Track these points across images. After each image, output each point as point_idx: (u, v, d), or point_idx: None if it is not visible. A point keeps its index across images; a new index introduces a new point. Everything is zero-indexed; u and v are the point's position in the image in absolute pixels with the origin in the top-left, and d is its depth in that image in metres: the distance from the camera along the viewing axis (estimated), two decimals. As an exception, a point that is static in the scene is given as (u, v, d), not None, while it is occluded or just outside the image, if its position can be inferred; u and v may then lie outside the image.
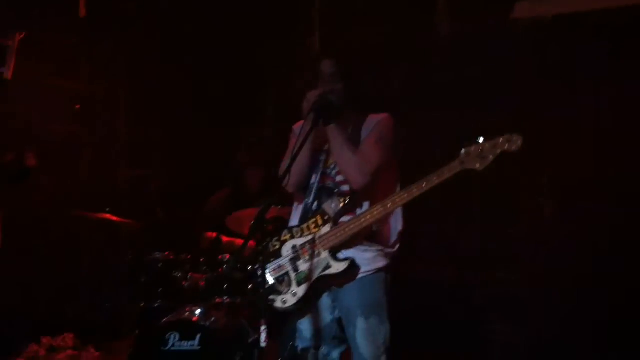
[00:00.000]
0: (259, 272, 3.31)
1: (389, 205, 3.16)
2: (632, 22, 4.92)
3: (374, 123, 3.42)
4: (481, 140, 2.98)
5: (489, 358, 5.32)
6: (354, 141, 3.38)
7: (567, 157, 5.12)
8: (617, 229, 4.89)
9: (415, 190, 3.08)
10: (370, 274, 3.35)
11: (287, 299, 3.31)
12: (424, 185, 3.07)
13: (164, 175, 7.07)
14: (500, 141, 2.94)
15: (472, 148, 2.99)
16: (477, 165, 2.97)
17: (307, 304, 3.35)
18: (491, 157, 2.95)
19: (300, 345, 3.48)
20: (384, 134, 3.38)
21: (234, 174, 5.88)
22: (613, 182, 4.92)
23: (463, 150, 3.00)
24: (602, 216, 4.94)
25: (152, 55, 7.00)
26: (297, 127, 3.52)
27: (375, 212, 3.20)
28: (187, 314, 4.43)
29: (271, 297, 3.32)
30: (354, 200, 3.34)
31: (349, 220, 3.26)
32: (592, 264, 4.94)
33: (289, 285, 3.32)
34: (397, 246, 3.47)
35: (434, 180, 3.05)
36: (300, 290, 3.28)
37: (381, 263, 3.39)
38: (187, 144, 7.17)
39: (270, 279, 3.35)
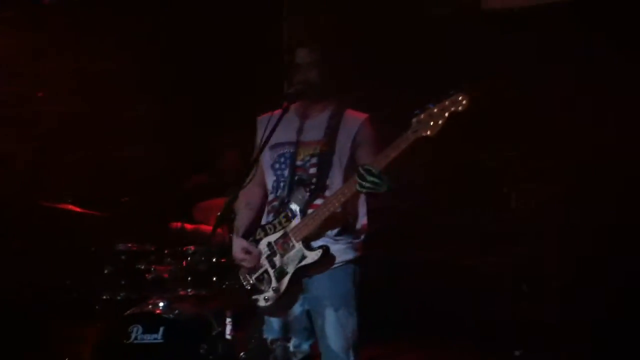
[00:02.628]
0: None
1: (352, 185, 3.11)
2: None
3: (357, 125, 3.40)
4: (430, 106, 2.96)
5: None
6: (332, 131, 3.37)
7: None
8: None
9: (374, 168, 3.03)
10: (340, 266, 3.34)
11: (269, 296, 3.31)
12: (382, 161, 3.04)
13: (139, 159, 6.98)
14: (447, 103, 2.93)
15: (422, 115, 2.97)
16: (429, 132, 2.95)
17: (288, 298, 3.34)
18: (440, 122, 2.94)
19: (269, 336, 3.47)
20: (375, 141, 3.38)
21: (211, 158, 5.80)
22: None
23: (414, 119, 2.98)
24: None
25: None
26: (263, 118, 3.47)
27: (340, 196, 3.18)
28: (151, 306, 4.36)
29: (254, 296, 3.33)
30: (319, 188, 3.32)
31: (317, 208, 3.24)
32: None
33: (269, 282, 3.31)
34: (365, 230, 3.45)
35: (391, 154, 3.02)
36: (281, 285, 3.28)
37: (350, 255, 3.38)
38: (164, 128, 7.08)
39: (250, 280, 3.35)
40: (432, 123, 2.94)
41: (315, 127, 3.43)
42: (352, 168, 3.30)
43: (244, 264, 3.37)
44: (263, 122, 3.39)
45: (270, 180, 3.50)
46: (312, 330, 3.41)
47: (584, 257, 4.92)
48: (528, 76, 5.27)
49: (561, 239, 5.08)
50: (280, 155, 3.46)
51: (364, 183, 3.02)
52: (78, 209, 5.25)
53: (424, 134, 2.96)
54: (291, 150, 3.43)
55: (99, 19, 6.73)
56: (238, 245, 3.41)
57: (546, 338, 4.96)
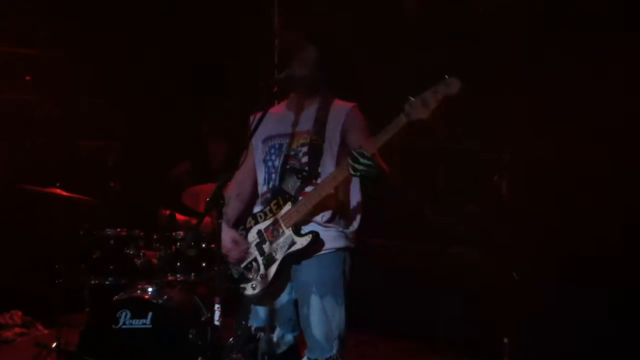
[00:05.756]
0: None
1: (343, 169, 3.14)
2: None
3: (345, 112, 3.41)
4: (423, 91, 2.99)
5: (447, 334, 5.37)
6: (321, 120, 3.37)
7: (528, 136, 5.17)
8: (576, 208, 4.95)
9: (367, 151, 3.05)
10: (329, 253, 3.34)
11: (256, 284, 3.32)
12: (374, 145, 3.07)
13: (122, 148, 6.95)
14: (440, 87, 2.96)
15: (415, 99, 2.99)
16: (421, 115, 2.98)
17: (275, 286, 3.35)
18: (433, 104, 2.96)
19: (254, 324, 3.48)
20: (364, 126, 3.40)
21: (196, 147, 5.78)
22: (574, 161, 4.98)
23: (407, 103, 3.01)
24: (562, 195, 5.01)
25: (114, 23, 6.82)
26: (254, 116, 3.46)
27: (331, 181, 3.21)
28: (139, 291, 4.35)
29: (242, 285, 3.35)
30: (311, 176, 3.32)
31: (308, 194, 3.26)
32: (550, 241, 5.02)
33: (257, 270, 3.33)
34: (358, 220, 3.46)
35: (383, 138, 3.06)
36: (269, 273, 3.30)
37: (341, 243, 3.38)
38: (148, 115, 7.05)
39: (238, 268, 3.37)
40: (424, 106, 2.96)
41: (305, 118, 3.44)
42: (343, 155, 3.31)
43: (231, 254, 3.38)
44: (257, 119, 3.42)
45: (261, 174, 3.50)
46: (297, 321, 3.42)
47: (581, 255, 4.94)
48: (526, 68, 5.29)
49: (554, 234, 5.10)
50: (270, 147, 3.47)
51: (357, 166, 3.03)
52: (66, 193, 5.21)
53: (416, 117, 2.98)
54: (281, 142, 3.44)
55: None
56: (228, 235, 3.40)
57: (538, 334, 5.00)
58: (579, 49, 4.92)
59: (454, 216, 5.61)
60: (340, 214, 3.40)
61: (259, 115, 3.37)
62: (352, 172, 3.07)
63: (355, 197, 3.46)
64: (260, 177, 3.51)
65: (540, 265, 5.06)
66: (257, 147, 3.50)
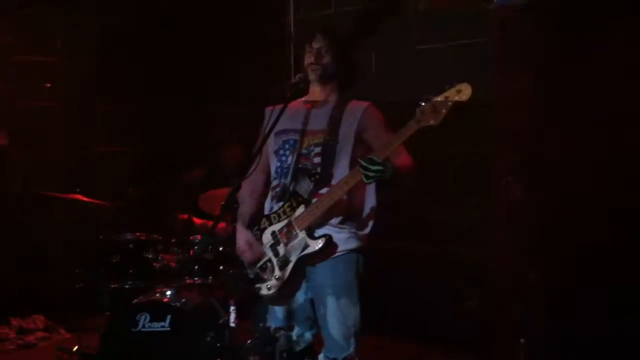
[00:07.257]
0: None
1: (355, 174, 3.17)
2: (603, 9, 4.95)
3: (360, 111, 3.43)
4: (434, 96, 3.03)
5: (460, 335, 5.36)
6: (336, 120, 3.40)
7: (538, 137, 5.16)
8: (588, 209, 4.93)
9: (377, 157, 3.09)
10: (343, 254, 3.38)
11: (271, 285, 3.37)
12: (384, 150, 3.11)
13: (137, 153, 7.00)
14: (451, 93, 3.00)
15: (426, 105, 3.03)
16: (432, 121, 3.01)
17: (290, 287, 3.40)
18: (444, 111, 3.00)
19: (272, 324, 3.51)
20: (382, 123, 3.44)
21: (210, 151, 5.82)
22: (584, 163, 4.96)
23: (418, 109, 3.04)
24: (573, 197, 4.99)
25: (126, 27, 6.86)
26: (270, 109, 3.49)
27: (343, 185, 3.23)
28: (158, 295, 4.40)
29: (257, 285, 3.40)
30: (324, 178, 3.35)
31: (320, 197, 3.29)
32: (562, 243, 4.99)
33: (272, 271, 3.37)
34: (371, 223, 3.49)
35: (394, 143, 3.11)
36: (284, 274, 3.34)
37: (354, 244, 3.41)
38: (162, 120, 7.08)
39: (253, 268, 3.42)
40: (435, 113, 3.00)
41: (320, 116, 3.47)
42: (359, 155, 3.32)
43: (245, 255, 3.43)
44: (270, 112, 3.43)
45: (274, 166, 3.54)
46: (315, 319, 3.46)
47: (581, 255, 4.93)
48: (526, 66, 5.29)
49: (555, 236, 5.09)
50: (284, 142, 3.49)
51: (369, 173, 3.09)
52: (86, 199, 5.29)
53: (426, 124, 3.02)
54: (295, 138, 3.46)
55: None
56: (243, 237, 3.47)
57: (539, 334, 4.99)
58: (579, 47, 4.91)
59: (459, 217, 5.61)
60: (353, 217, 3.43)
61: (273, 108, 3.39)
62: (365, 180, 3.13)
63: (369, 202, 3.48)
64: (273, 169, 3.55)
65: (541, 265, 5.05)
66: (270, 140, 3.52)
